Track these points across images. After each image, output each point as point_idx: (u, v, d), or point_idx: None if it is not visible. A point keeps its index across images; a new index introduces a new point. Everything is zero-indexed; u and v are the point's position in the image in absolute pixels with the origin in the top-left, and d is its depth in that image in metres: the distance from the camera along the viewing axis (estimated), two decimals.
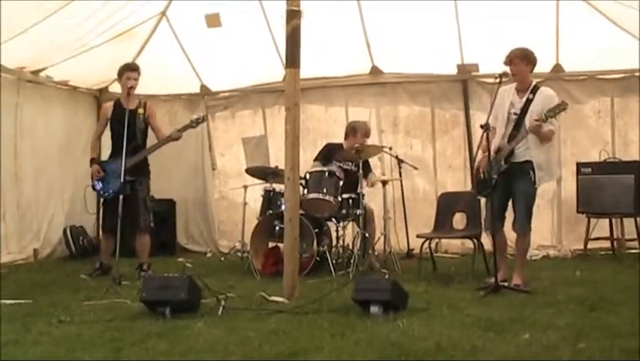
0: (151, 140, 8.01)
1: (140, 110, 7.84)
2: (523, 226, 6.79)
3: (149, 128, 7.97)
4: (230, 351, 4.36)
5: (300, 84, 6.59)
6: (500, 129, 6.75)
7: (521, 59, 6.73)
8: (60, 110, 9.94)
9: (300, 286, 6.46)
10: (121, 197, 7.25)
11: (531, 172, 6.67)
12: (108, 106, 8.14)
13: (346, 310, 5.57)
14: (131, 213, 7.58)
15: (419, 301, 5.90)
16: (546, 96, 6.73)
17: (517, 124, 6.70)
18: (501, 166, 6.64)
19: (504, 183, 6.73)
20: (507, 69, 6.73)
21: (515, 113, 6.74)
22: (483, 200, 7.30)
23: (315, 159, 8.74)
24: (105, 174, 7.83)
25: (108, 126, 8.01)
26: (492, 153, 6.67)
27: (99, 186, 7.89)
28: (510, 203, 6.91)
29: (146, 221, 7.87)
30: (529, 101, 6.70)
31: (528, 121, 6.64)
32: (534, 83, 6.85)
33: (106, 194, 7.85)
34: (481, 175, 6.84)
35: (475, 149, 7.20)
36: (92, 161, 7.99)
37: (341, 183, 8.10)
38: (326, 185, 8.00)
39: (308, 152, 9.26)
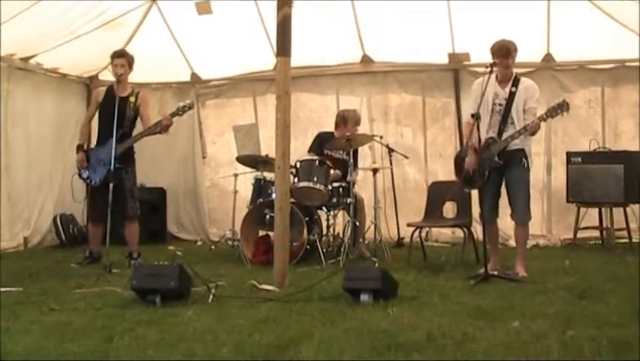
0: (139, 130, 7.94)
1: (132, 99, 7.78)
2: (525, 213, 6.79)
3: (138, 118, 7.90)
4: (221, 339, 4.36)
5: (290, 72, 6.56)
6: (484, 119, 6.69)
7: (515, 52, 6.72)
8: (50, 98, 9.91)
9: (291, 275, 6.46)
10: (111, 185, 7.22)
11: (524, 159, 6.71)
12: (100, 91, 8.09)
13: (336, 298, 5.58)
14: (118, 202, 7.52)
15: (409, 289, 5.91)
16: (528, 87, 6.76)
17: (504, 116, 6.70)
18: (496, 163, 6.62)
19: (495, 174, 6.73)
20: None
21: (500, 104, 6.73)
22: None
23: (310, 150, 8.71)
24: (90, 163, 7.80)
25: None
26: (480, 144, 6.64)
27: (86, 174, 7.85)
28: (504, 192, 6.92)
29: (133, 209, 7.84)
30: (512, 94, 6.70)
31: (514, 113, 6.65)
32: (514, 74, 6.84)
33: (92, 182, 7.82)
34: (470, 170, 6.80)
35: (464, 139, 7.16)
36: (79, 148, 7.96)
37: (332, 171, 8.11)
38: (316, 174, 7.99)
39: (299, 140, 9.30)
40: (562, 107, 6.48)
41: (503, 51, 6.67)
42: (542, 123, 6.65)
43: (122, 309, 5.32)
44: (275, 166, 6.52)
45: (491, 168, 6.65)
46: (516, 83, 6.74)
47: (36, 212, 9.57)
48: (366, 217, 8.59)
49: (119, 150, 7.53)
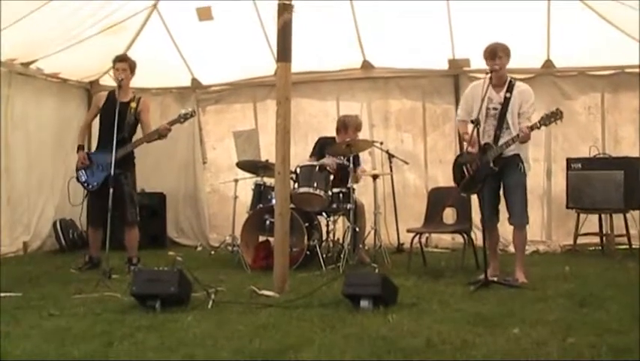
0: (140, 135, 7.92)
1: (133, 105, 7.79)
2: (522, 216, 6.79)
3: (139, 124, 7.91)
4: (220, 345, 4.36)
5: (291, 78, 6.57)
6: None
7: (504, 53, 6.72)
8: (51, 103, 9.90)
9: (291, 280, 6.47)
10: (111, 190, 7.20)
11: (520, 164, 6.72)
12: (102, 95, 8.08)
13: (336, 304, 5.58)
14: (117, 208, 7.52)
15: (409, 295, 5.91)
16: (522, 92, 6.76)
17: (500, 122, 6.70)
18: (492, 169, 6.63)
19: (492, 179, 6.74)
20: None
21: (495, 109, 6.73)
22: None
23: (311, 155, 8.72)
24: (90, 164, 7.79)
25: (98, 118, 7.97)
26: (477, 149, 6.65)
27: (84, 177, 7.84)
28: (502, 197, 6.92)
29: (132, 215, 7.82)
30: (507, 100, 6.70)
31: (510, 118, 6.66)
32: (509, 78, 6.84)
33: (90, 186, 7.81)
34: (467, 174, 6.81)
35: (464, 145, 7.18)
36: (79, 148, 7.96)
37: (332, 177, 8.11)
38: (316, 179, 8.00)
39: (299, 146, 9.31)
40: (555, 116, 6.47)
41: (490, 53, 6.69)
42: (537, 130, 6.66)
43: (121, 314, 5.32)
44: (275, 172, 6.53)
45: (487, 174, 6.66)
46: (510, 87, 6.74)
47: (36, 217, 9.56)
48: (366, 223, 8.58)
49: (118, 155, 7.53)
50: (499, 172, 6.70)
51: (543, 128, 6.68)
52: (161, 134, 7.68)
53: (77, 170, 7.89)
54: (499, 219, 6.99)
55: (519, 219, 6.81)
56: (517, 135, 6.54)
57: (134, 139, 7.84)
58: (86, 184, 7.86)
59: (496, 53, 6.67)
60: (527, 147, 6.91)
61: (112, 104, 7.61)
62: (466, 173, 6.83)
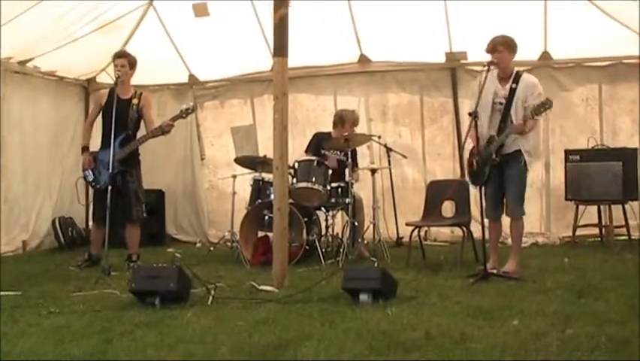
0: (143, 131, 7.89)
1: (135, 101, 7.76)
2: (517, 208, 6.79)
3: (142, 120, 7.88)
4: (220, 341, 4.36)
5: (288, 73, 6.55)
6: (485, 118, 6.72)
7: (505, 47, 6.72)
8: (48, 101, 9.89)
9: (290, 276, 6.47)
10: (109, 188, 7.18)
11: (522, 158, 6.72)
12: (103, 93, 8.02)
13: (336, 298, 5.59)
14: (122, 205, 7.52)
15: (408, 289, 5.92)
16: (528, 84, 6.74)
17: (504, 115, 6.70)
18: (493, 160, 6.64)
19: (497, 172, 6.75)
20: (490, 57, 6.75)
21: (500, 103, 6.74)
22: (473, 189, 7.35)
23: (306, 151, 8.71)
24: (96, 164, 7.77)
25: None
26: (481, 142, 6.66)
27: (91, 177, 7.83)
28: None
29: (138, 213, 7.80)
30: (513, 91, 6.70)
31: (513, 111, 6.66)
32: (515, 70, 6.84)
33: (98, 185, 7.79)
34: (475, 166, 6.83)
35: (463, 137, 7.18)
36: (84, 149, 7.92)
37: (330, 172, 8.12)
38: (315, 174, 8.00)
39: (297, 141, 9.31)
40: (544, 106, 6.44)
41: (490, 47, 6.72)
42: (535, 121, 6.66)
43: (120, 311, 5.32)
44: (273, 167, 6.53)
45: (491, 166, 6.66)
46: (517, 79, 6.74)
47: (34, 215, 9.55)
48: (365, 217, 8.58)
49: (124, 152, 7.54)
50: (502, 166, 6.72)
51: (542, 121, 6.68)
52: (164, 130, 7.66)
53: (84, 170, 7.87)
54: (503, 211, 6.99)
55: (513, 211, 6.82)
56: (511, 129, 6.56)
57: (138, 135, 7.81)
58: (93, 183, 7.84)
59: (495, 47, 6.69)
60: (535, 139, 6.92)
61: (114, 101, 7.59)
62: (475, 165, 6.85)
